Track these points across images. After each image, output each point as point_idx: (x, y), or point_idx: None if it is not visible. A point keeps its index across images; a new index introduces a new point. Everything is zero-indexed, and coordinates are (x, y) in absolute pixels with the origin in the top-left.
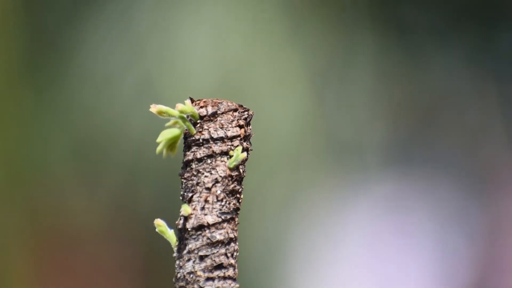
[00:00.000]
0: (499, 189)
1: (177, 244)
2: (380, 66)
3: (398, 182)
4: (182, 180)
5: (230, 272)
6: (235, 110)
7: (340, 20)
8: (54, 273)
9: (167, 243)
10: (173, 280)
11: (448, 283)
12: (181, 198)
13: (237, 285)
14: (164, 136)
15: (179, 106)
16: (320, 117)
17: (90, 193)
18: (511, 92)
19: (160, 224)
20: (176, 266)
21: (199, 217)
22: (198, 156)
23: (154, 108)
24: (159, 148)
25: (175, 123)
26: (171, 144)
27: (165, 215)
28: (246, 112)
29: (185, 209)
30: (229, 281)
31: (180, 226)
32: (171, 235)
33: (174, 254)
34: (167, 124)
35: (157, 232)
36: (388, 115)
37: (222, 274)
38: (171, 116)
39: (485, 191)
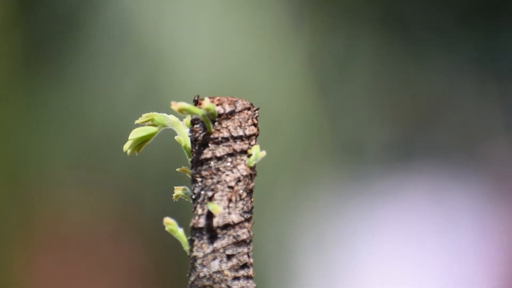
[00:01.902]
0: (500, 188)
1: (194, 243)
2: (382, 65)
3: (399, 177)
4: (197, 178)
5: (250, 271)
6: (249, 108)
7: (342, 18)
8: (56, 275)
9: (169, 244)
10: (193, 278)
11: (452, 278)
12: (194, 197)
13: (255, 285)
14: (138, 134)
15: (205, 103)
16: (322, 115)
17: (91, 196)
18: None
19: (170, 223)
20: (197, 265)
21: (224, 216)
22: (218, 154)
23: (176, 106)
24: (128, 146)
25: (151, 120)
26: (142, 142)
27: (170, 215)
28: (256, 111)
29: (215, 208)
30: (250, 281)
31: (200, 225)
32: (181, 234)
33: (195, 253)
34: (139, 121)
35: (158, 232)
36: (390, 113)
37: (246, 274)
38: (193, 114)
39: (485, 189)
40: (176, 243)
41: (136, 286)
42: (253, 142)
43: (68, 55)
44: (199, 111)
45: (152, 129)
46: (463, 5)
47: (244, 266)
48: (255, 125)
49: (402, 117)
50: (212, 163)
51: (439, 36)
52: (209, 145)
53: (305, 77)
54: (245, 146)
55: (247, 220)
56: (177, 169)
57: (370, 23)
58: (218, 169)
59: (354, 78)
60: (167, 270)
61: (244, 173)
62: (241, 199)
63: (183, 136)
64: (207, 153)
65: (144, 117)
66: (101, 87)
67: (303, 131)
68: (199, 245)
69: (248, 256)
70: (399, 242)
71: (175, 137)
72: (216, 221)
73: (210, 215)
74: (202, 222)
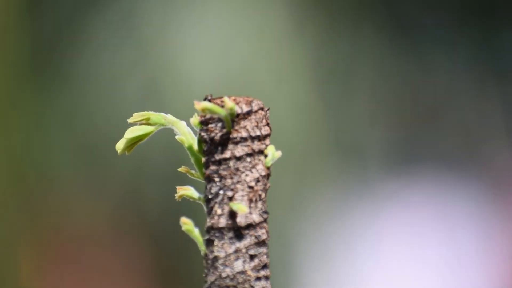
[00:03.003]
0: (500, 188)
1: (214, 243)
2: (383, 65)
3: (401, 179)
4: (215, 178)
5: (268, 272)
6: (262, 108)
7: (343, 19)
8: (59, 276)
9: (172, 245)
10: (213, 278)
11: (454, 281)
12: (210, 196)
13: (271, 286)
14: (134, 132)
15: (229, 103)
16: (323, 116)
17: (94, 196)
18: None
19: (186, 222)
20: (219, 265)
21: (246, 216)
22: (237, 154)
23: (199, 105)
24: (122, 145)
25: (146, 119)
26: (135, 142)
27: (170, 217)
28: (268, 111)
29: (240, 208)
30: (268, 282)
31: (221, 225)
32: (197, 234)
33: (216, 254)
34: (131, 120)
35: (159, 233)
36: (391, 113)
37: (265, 274)
38: (215, 113)
39: (486, 190)
40: (175, 243)
41: (137, 286)
42: (267, 142)
43: (72, 55)
44: (222, 111)
45: (149, 128)
46: (463, 5)
47: (264, 266)
48: (268, 125)
49: (404, 119)
50: (231, 163)
51: (440, 37)
52: (228, 145)
53: (307, 79)
54: (262, 146)
55: (265, 220)
56: (179, 169)
57: (371, 25)
58: (237, 169)
59: (356, 80)
60: (168, 270)
61: (263, 173)
62: (260, 199)
63: (185, 135)
64: (226, 153)
65: (138, 116)
66: (104, 87)
67: (305, 133)
68: (219, 245)
69: (267, 257)
70: (400, 244)
71: (176, 137)
72: (239, 221)
73: (232, 215)
74: (223, 222)
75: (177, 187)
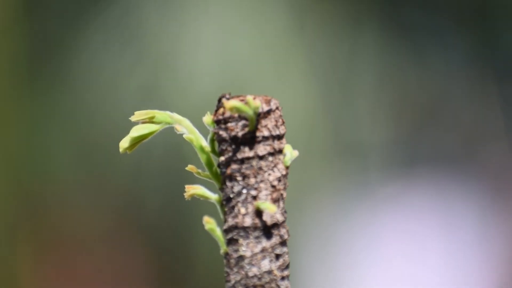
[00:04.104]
0: (500, 189)
1: (239, 242)
2: (383, 65)
3: (401, 181)
4: (238, 177)
5: (289, 272)
6: (278, 107)
7: (343, 19)
8: (58, 276)
9: (171, 246)
10: (239, 278)
11: (455, 282)
12: (231, 195)
13: None
14: (139, 131)
15: (255, 102)
16: (323, 116)
17: (94, 196)
18: None
19: (209, 221)
20: (245, 265)
21: (272, 215)
22: (260, 153)
23: (228, 104)
24: (126, 144)
25: (150, 118)
26: (139, 141)
27: (170, 217)
28: (281, 110)
29: (269, 207)
30: (289, 281)
31: (246, 224)
32: (219, 234)
33: (241, 253)
34: (136, 118)
35: (159, 233)
36: (391, 114)
37: (288, 274)
38: (243, 112)
39: (486, 190)
40: (175, 244)
41: (136, 287)
42: (284, 141)
43: (71, 55)
44: (249, 110)
45: (154, 127)
46: (462, 7)
47: (287, 266)
48: (283, 124)
49: (404, 121)
50: (254, 162)
51: (439, 37)
52: (251, 143)
53: (307, 79)
54: (281, 146)
55: (285, 219)
56: (186, 168)
57: (371, 26)
58: (260, 168)
59: (356, 80)
60: (167, 270)
61: (283, 173)
62: (282, 198)
63: (194, 134)
64: (249, 152)
65: (142, 114)
66: (104, 87)
67: (304, 133)
68: (245, 244)
69: (288, 256)
70: (400, 245)
71: (184, 136)
72: (264, 220)
73: (258, 214)
74: (248, 221)
75: (186, 186)
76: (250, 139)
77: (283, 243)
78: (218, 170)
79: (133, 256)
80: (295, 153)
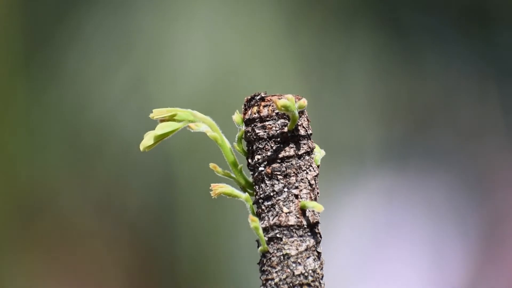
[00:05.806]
0: (498, 188)
1: (283, 241)
2: (377, 65)
3: (395, 179)
4: (279, 176)
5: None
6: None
7: (336, 20)
8: (55, 276)
9: (160, 241)
10: (284, 276)
11: (443, 278)
12: (271, 194)
13: None
14: (164, 129)
15: (303, 102)
16: (317, 116)
17: (81, 190)
18: (510, 92)
19: (254, 220)
20: (291, 263)
21: (313, 215)
22: (299, 152)
23: (279, 102)
24: (150, 142)
25: (172, 116)
26: (161, 139)
27: (156, 211)
28: None
29: (316, 206)
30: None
31: (290, 223)
32: (261, 233)
33: (286, 251)
34: (156, 116)
35: (158, 233)
36: (385, 113)
37: (324, 273)
38: (291, 111)
39: (483, 189)
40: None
41: (128, 282)
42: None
43: (59, 52)
44: (295, 109)
45: (176, 125)
46: (460, 7)
47: (323, 265)
48: (309, 123)
49: (399, 118)
50: (293, 161)
51: (435, 37)
52: (291, 142)
53: (301, 79)
54: (314, 145)
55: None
56: (210, 165)
57: (366, 25)
58: (299, 167)
59: (350, 79)
60: (166, 270)
61: (317, 171)
62: (317, 197)
63: (218, 132)
64: (289, 151)
65: (163, 111)
66: (92, 85)
67: None
68: (289, 243)
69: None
70: (399, 243)
71: (208, 134)
72: (307, 219)
73: (302, 213)
74: (292, 220)
75: (212, 184)
76: (291, 138)
77: (320, 242)
78: (251, 169)
79: (121, 250)
80: (323, 152)
